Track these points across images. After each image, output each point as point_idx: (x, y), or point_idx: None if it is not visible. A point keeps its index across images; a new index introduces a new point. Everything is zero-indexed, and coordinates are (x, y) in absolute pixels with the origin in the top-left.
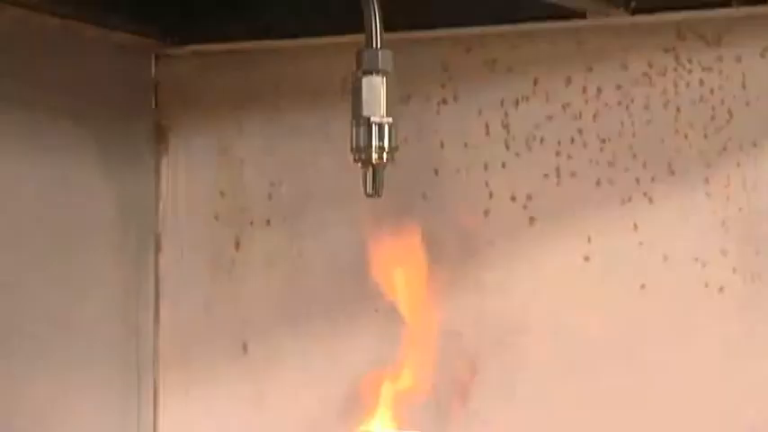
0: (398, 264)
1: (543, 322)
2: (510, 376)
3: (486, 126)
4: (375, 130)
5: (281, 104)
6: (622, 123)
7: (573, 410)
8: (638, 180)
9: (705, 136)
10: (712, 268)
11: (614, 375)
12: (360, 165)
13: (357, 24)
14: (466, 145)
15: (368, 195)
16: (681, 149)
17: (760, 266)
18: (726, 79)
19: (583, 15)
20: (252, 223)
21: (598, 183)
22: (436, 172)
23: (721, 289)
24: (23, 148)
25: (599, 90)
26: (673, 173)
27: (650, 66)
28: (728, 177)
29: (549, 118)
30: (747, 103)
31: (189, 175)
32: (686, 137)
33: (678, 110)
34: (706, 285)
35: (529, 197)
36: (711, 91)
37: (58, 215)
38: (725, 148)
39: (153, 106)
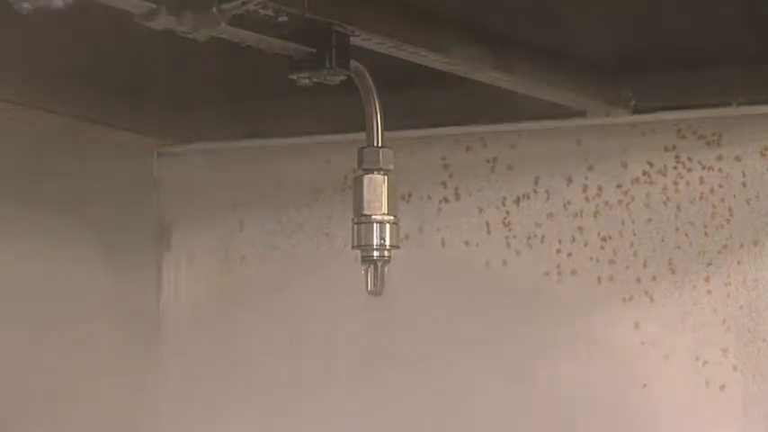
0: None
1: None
2: None
3: (487, 224)
4: (376, 228)
5: (281, 201)
6: (623, 222)
7: None
8: (638, 278)
9: (706, 234)
10: (713, 366)
11: None
12: (361, 262)
13: (358, 123)
14: (467, 243)
15: (369, 292)
16: (681, 247)
17: (761, 364)
18: (726, 178)
19: (583, 114)
20: (254, 321)
21: (599, 281)
22: (437, 270)
23: (723, 387)
24: (27, 243)
25: (599, 188)
26: (673, 271)
27: (650, 164)
28: (729, 276)
29: (550, 216)
30: (748, 202)
31: (190, 271)
32: (687, 235)
33: (678, 208)
34: (707, 384)
35: (530, 294)
36: (712, 189)
37: (59, 309)
38: (725, 246)
39: (155, 203)
